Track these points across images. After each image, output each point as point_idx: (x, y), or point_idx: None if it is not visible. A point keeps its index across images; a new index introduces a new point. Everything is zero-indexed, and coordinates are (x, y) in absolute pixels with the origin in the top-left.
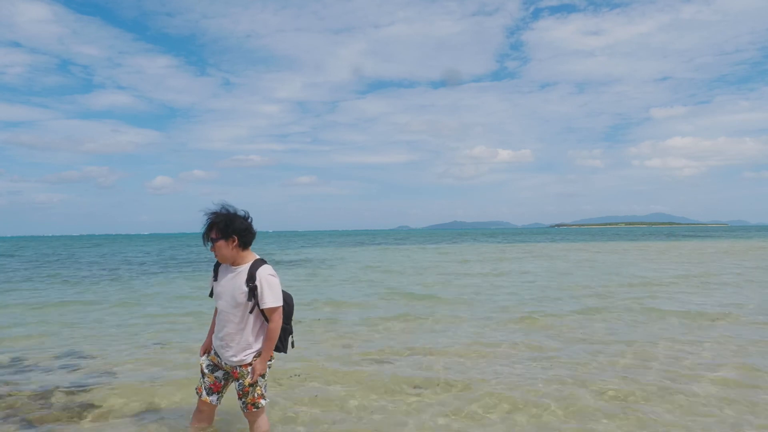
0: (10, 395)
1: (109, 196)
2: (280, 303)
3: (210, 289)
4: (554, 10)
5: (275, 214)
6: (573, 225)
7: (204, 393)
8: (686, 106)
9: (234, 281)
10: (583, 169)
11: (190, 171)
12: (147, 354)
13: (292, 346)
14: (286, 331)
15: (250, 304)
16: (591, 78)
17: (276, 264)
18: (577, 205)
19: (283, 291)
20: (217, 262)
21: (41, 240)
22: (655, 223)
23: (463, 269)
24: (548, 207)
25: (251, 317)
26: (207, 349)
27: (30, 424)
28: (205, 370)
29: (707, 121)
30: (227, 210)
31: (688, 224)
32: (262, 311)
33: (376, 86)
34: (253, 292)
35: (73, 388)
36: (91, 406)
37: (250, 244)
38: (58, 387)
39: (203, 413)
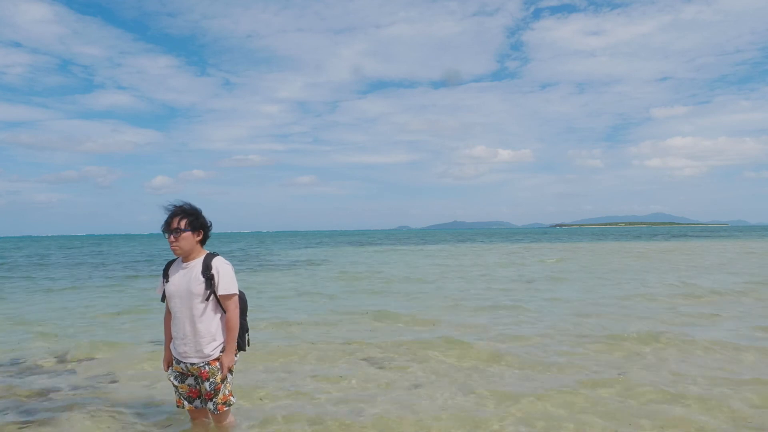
0: (9, 395)
1: (108, 196)
2: (237, 290)
3: (161, 295)
4: (555, 10)
5: (275, 214)
6: (573, 225)
7: (185, 403)
8: (687, 106)
9: (189, 275)
10: (583, 169)
11: (190, 171)
12: (146, 354)
13: (248, 344)
14: (243, 327)
15: (207, 292)
16: (592, 78)
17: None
18: (577, 205)
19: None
20: (167, 265)
21: (40, 240)
22: (655, 223)
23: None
24: (548, 207)
25: (210, 308)
26: (169, 362)
27: (30, 424)
28: (175, 382)
29: (708, 121)
30: (191, 205)
31: (688, 224)
32: (218, 301)
33: (377, 86)
34: (210, 281)
35: (73, 388)
36: (90, 406)
37: (206, 242)
38: (57, 387)
39: (198, 419)
